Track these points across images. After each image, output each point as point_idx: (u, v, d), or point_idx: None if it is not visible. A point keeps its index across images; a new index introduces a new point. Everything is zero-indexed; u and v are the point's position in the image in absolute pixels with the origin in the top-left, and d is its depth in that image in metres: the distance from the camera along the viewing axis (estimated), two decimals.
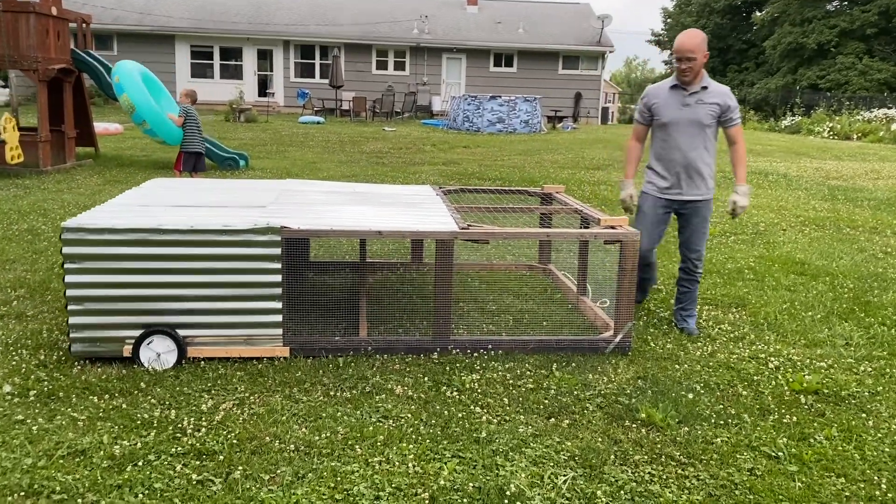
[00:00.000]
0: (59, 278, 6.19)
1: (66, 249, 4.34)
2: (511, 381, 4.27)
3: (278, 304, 4.53)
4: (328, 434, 3.61)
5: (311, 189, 6.01)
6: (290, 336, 4.63)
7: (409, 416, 3.82)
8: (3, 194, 9.95)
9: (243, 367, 4.44)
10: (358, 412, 3.86)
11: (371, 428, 3.67)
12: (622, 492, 3.15)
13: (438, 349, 4.66)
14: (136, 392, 4.06)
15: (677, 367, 4.47)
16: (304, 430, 3.66)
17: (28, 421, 3.69)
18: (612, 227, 4.73)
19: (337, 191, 6.01)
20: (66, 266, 4.36)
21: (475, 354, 4.65)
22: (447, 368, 4.44)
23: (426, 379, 4.29)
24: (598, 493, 3.13)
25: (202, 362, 4.46)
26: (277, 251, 4.48)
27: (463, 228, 4.62)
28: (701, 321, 5.35)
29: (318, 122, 24.61)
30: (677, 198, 4.94)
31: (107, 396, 3.99)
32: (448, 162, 15.30)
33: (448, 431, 3.65)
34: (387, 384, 4.21)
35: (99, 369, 4.35)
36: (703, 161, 4.82)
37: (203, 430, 3.65)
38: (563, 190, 6.37)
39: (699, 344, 4.90)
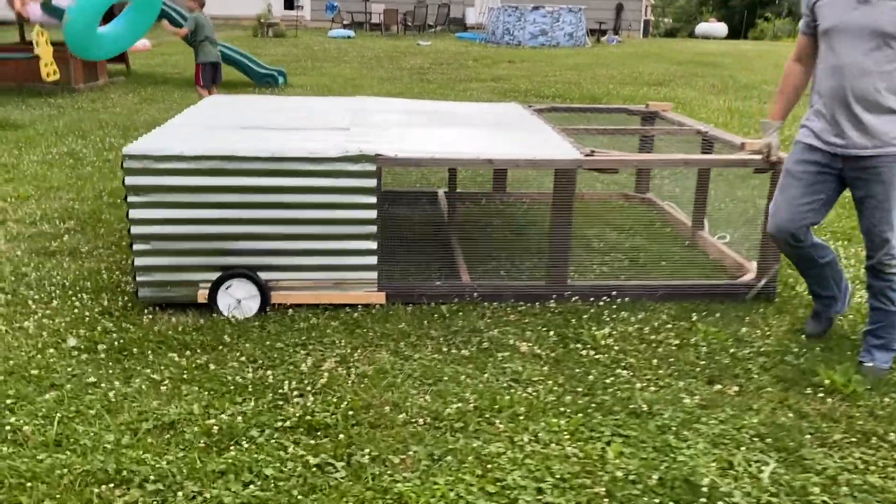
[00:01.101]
0: (109, 208, 5.61)
1: (129, 180, 3.73)
2: (650, 336, 3.66)
3: (373, 244, 3.91)
4: (456, 402, 3.05)
5: (385, 108, 5.31)
6: (385, 280, 4.03)
7: (544, 379, 3.24)
8: (36, 114, 9.32)
9: (335, 315, 3.87)
10: (484, 375, 3.29)
11: (506, 396, 3.10)
12: (837, 485, 2.56)
13: (555, 296, 4.05)
14: (220, 347, 3.51)
15: (840, 317, 3.83)
16: (426, 397, 3.09)
17: (102, 384, 3.16)
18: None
19: (414, 110, 5.31)
20: (129, 199, 3.76)
21: (599, 303, 4.04)
22: (570, 320, 3.84)
23: (550, 333, 3.69)
24: (809, 486, 2.55)
25: (289, 310, 3.89)
26: (372, 183, 3.84)
27: (587, 155, 3.93)
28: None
29: (349, 37, 23.49)
30: (839, 150, 3.15)
31: (188, 353, 3.45)
32: (496, 78, 14.38)
33: (597, 401, 3.07)
34: (506, 339, 3.62)
35: (173, 319, 3.80)
36: (881, 92, 3.01)
37: (308, 396, 3.10)
38: (669, 108, 5.62)
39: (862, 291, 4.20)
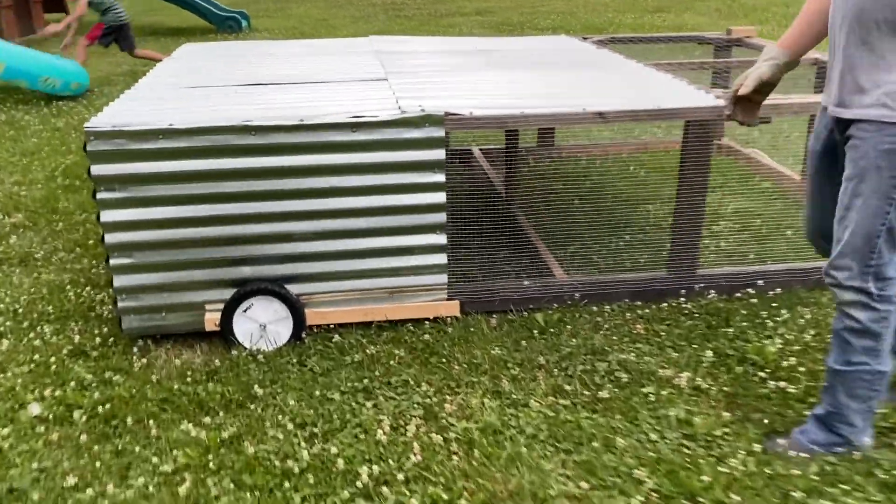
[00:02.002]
0: (66, 193, 4.44)
1: (97, 169, 2.61)
2: None
3: (441, 238, 2.86)
4: (625, 485, 2.06)
5: (414, 48, 4.17)
6: (457, 283, 2.99)
7: (729, 432, 2.27)
8: None
9: (397, 337, 2.84)
10: (640, 431, 2.30)
11: (692, 470, 2.12)
12: None
13: (683, 291, 3.05)
14: (251, 405, 2.47)
15: None
16: (579, 483, 2.09)
17: (88, 489, 2.11)
18: None
19: (452, 49, 4.18)
20: (98, 196, 2.64)
21: (739, 296, 3.06)
22: (717, 326, 2.86)
23: (701, 350, 2.70)
24: None
25: (333, 334, 2.85)
26: (440, 154, 2.76)
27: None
28: None
29: None
30: (835, 113, 2.05)
31: (206, 419, 2.40)
32: (482, 11, 13.11)
33: (828, 466, 2.10)
34: (644, 364, 2.63)
35: (175, 360, 2.74)
36: (880, 27, 1.90)
37: (399, 485, 2.09)
38: (754, 34, 4.57)
39: None
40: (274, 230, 2.76)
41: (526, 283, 3.03)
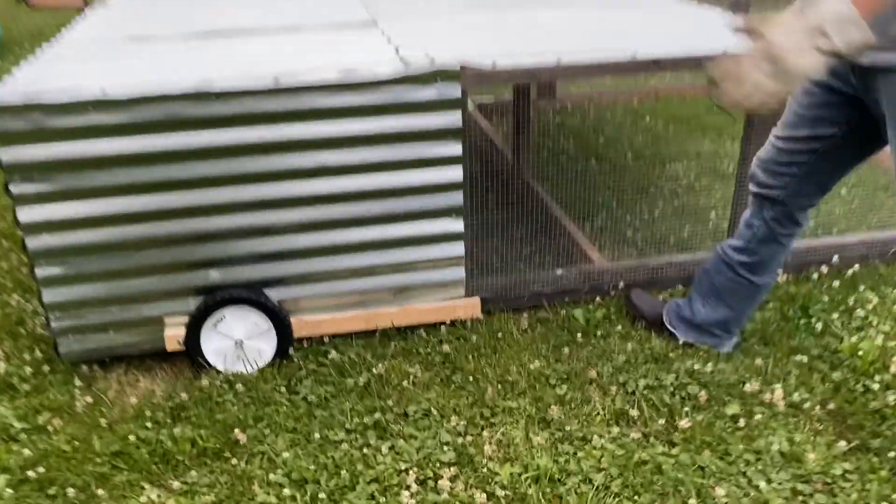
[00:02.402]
0: None
1: (5, 154, 1.97)
2: None
3: (457, 224, 2.30)
4: None
5: None
6: (476, 276, 2.44)
7: (870, 490, 1.77)
8: None
9: (408, 348, 2.30)
10: (733, 474, 1.80)
11: None
12: None
13: None
14: (230, 457, 1.91)
15: None
16: None
17: None
18: None
19: None
20: (12, 189, 2.01)
21: (813, 276, 2.56)
22: (793, 318, 2.36)
23: (785, 351, 2.21)
24: None
25: (328, 349, 2.29)
26: (455, 119, 2.18)
27: None
28: None
29: None
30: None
31: (175, 483, 1.83)
32: None
33: None
34: (719, 373, 2.12)
35: (129, 394, 2.15)
36: None
37: None
38: None
39: None
40: (248, 223, 2.16)
41: (559, 271, 2.49)
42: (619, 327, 2.34)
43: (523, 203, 2.81)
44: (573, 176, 3.30)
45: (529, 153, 3.32)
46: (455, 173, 2.23)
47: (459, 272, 2.36)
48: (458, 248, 2.33)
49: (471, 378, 2.16)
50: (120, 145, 2.00)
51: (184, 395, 2.11)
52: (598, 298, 2.48)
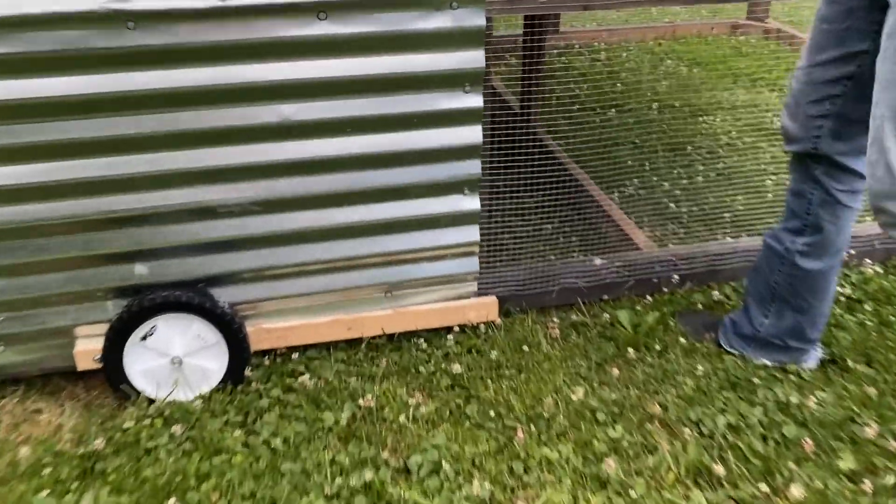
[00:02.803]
0: None
1: None
2: None
3: (472, 201, 1.72)
4: None
5: None
6: (490, 270, 1.88)
7: None
8: None
9: (403, 366, 1.74)
10: None
11: None
12: None
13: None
14: None
15: None
16: None
17: None
18: None
19: None
20: None
21: None
22: None
23: None
24: None
25: (300, 367, 1.72)
26: (476, 59, 1.57)
27: None
28: None
29: None
30: None
31: None
32: None
33: None
34: (825, 405, 1.61)
35: (28, 429, 1.56)
36: None
37: None
38: None
39: None
40: (186, 199, 1.56)
41: (597, 261, 1.93)
42: (683, 339, 1.80)
43: (537, 166, 2.23)
44: (592, 131, 2.72)
45: (541, 104, 2.72)
46: (472, 133, 1.64)
47: (471, 263, 1.79)
48: (470, 233, 1.75)
49: (492, 412, 1.61)
50: (7, 89, 1.37)
51: (98, 441, 1.52)
52: (646, 297, 1.94)
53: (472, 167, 1.67)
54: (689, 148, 2.70)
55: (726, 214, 2.27)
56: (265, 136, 1.53)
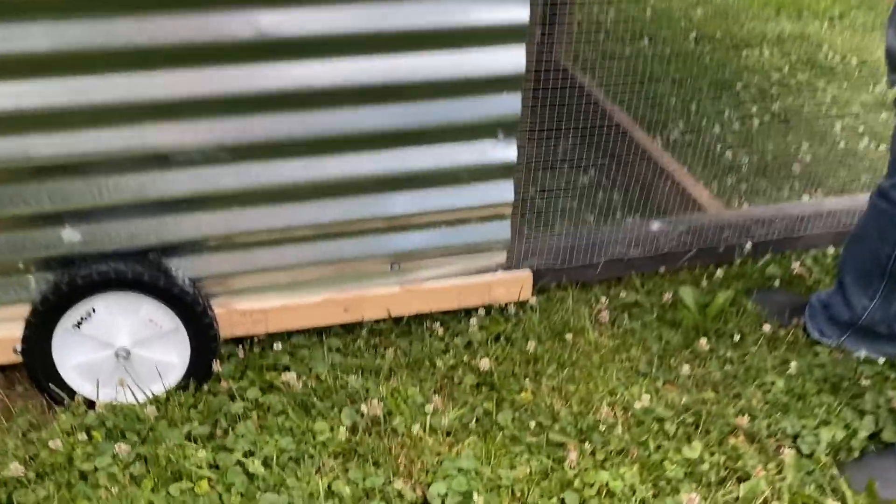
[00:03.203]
0: None
1: None
2: None
3: (507, 149, 1.32)
4: None
5: None
6: (522, 238, 1.49)
7: None
8: None
9: (411, 349, 1.36)
10: None
11: None
12: None
13: None
14: None
15: None
16: None
17: None
18: None
19: None
20: None
21: None
22: None
23: None
24: None
25: (283, 360, 1.34)
26: None
27: None
28: None
29: None
30: None
31: None
32: None
33: None
34: None
35: None
36: None
37: None
38: None
39: None
40: (128, 144, 1.15)
41: (655, 225, 1.55)
42: (763, 325, 1.45)
43: (569, 104, 1.82)
44: (624, 63, 2.31)
45: (565, 29, 2.30)
46: (513, 58, 1.24)
47: (502, 229, 1.41)
48: (502, 190, 1.37)
49: (531, 422, 1.25)
50: None
51: (14, 464, 1.15)
52: (715, 270, 1.57)
53: (510, 103, 1.28)
54: (739, 85, 2.30)
55: (795, 165, 1.89)
56: (235, 56, 1.12)
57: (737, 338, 1.41)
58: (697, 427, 1.26)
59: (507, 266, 1.46)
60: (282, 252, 1.33)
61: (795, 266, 1.59)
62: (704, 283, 1.54)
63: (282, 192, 1.26)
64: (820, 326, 1.42)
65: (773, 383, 1.32)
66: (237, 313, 1.34)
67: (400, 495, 1.13)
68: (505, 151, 1.32)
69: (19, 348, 1.26)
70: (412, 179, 1.32)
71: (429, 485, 1.15)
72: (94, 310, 1.24)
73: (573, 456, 1.19)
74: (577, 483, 1.15)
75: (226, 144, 1.19)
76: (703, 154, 1.95)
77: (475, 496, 1.12)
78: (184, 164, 1.20)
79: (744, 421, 1.25)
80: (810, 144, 2.02)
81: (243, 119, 1.18)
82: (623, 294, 1.52)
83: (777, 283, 1.56)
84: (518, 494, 1.15)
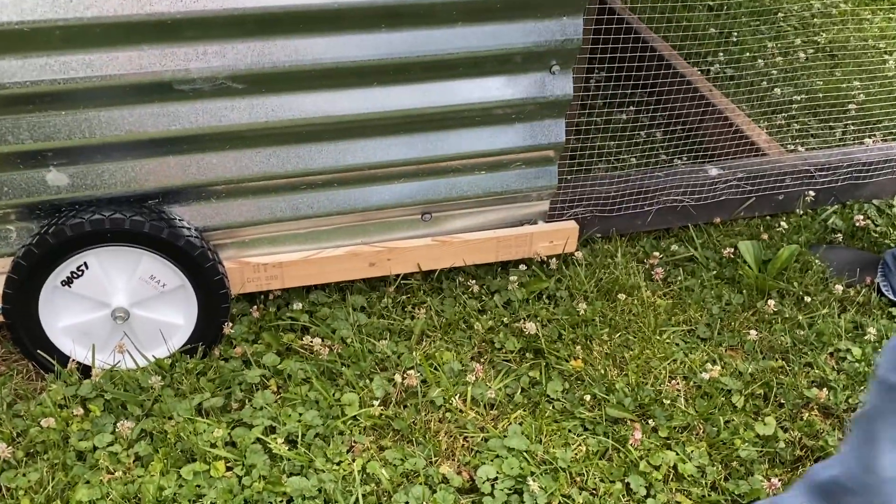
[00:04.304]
0: None
1: None
2: None
3: (565, 83, 1.15)
4: None
5: None
6: (567, 185, 1.33)
7: None
8: None
9: (443, 309, 1.21)
10: None
11: None
12: None
13: None
14: None
15: None
16: None
17: None
18: None
19: None
20: None
21: None
22: None
23: None
24: None
25: (300, 319, 1.19)
26: None
27: None
28: None
29: None
30: None
31: None
32: None
33: None
34: None
35: None
36: None
37: None
38: None
39: None
40: (122, 70, 0.96)
41: (713, 171, 1.40)
42: (834, 284, 1.31)
43: (601, 28, 1.62)
44: None
45: None
46: None
47: (547, 175, 1.24)
48: (553, 130, 1.20)
49: (585, 395, 1.12)
50: None
51: (2, 448, 0.99)
52: (777, 221, 1.43)
53: (570, 28, 1.10)
54: (781, 14, 2.12)
55: (851, 105, 1.73)
56: None
57: (804, 298, 1.28)
58: (768, 399, 1.13)
59: (552, 215, 1.30)
60: (300, 199, 1.16)
61: (859, 218, 1.45)
62: (764, 236, 1.39)
63: (302, 129, 1.09)
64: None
65: (847, 350, 1.20)
66: (250, 268, 1.18)
67: (445, 480, 1.00)
68: (560, 84, 1.15)
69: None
70: (452, 116, 1.14)
71: (476, 467, 1.02)
72: (86, 265, 1.07)
73: (637, 436, 1.06)
74: (643, 465, 1.03)
75: (239, 72, 1.01)
76: (748, 90, 1.78)
77: (529, 481, 1.00)
78: (189, 95, 1.01)
79: (820, 393, 1.13)
80: (861, 81, 1.85)
81: (261, 41, 1.00)
82: (674, 247, 1.38)
83: (840, 237, 1.42)
84: (576, 477, 1.02)
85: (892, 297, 1.29)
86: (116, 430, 1.03)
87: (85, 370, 1.12)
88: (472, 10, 1.05)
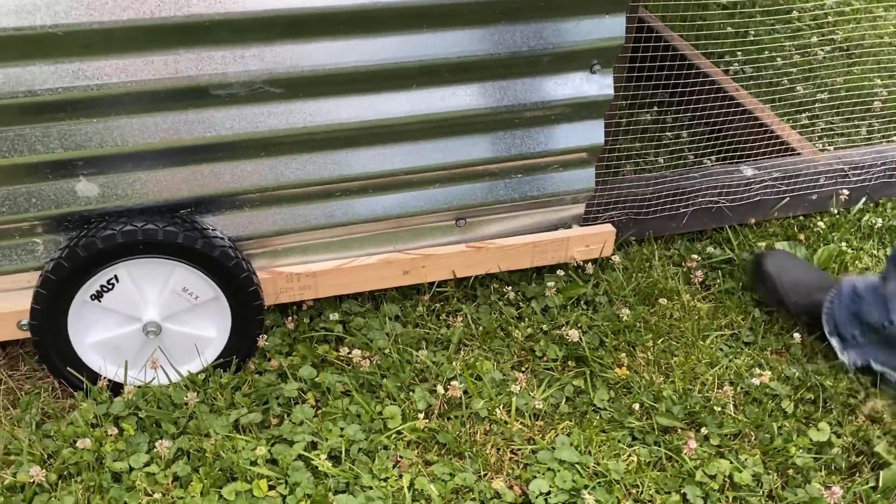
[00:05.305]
0: None
1: None
2: None
3: (605, 83, 1.12)
4: None
5: None
6: (604, 181, 1.30)
7: None
8: None
9: (479, 317, 1.18)
10: None
11: None
12: None
13: None
14: None
15: None
16: None
17: None
18: None
19: None
20: None
21: None
22: None
23: None
24: None
25: (334, 329, 1.15)
26: None
27: None
28: None
29: None
30: None
31: None
32: None
33: None
34: None
35: None
36: None
37: None
38: None
39: None
40: (156, 75, 0.93)
41: (749, 171, 1.37)
42: None
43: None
44: None
45: None
46: None
47: (585, 177, 1.22)
48: (592, 131, 1.17)
49: (634, 403, 1.09)
50: None
51: (35, 471, 0.95)
52: (811, 220, 1.41)
53: (613, 27, 1.07)
54: (794, 14, 2.10)
55: (876, 103, 1.72)
56: None
57: None
58: (818, 405, 1.11)
59: (586, 219, 1.27)
60: (335, 206, 1.12)
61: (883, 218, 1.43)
62: (804, 236, 1.37)
63: (339, 135, 1.05)
64: (841, 329, 1.24)
65: None
66: (283, 278, 1.14)
67: (497, 495, 0.97)
68: (601, 85, 1.12)
69: (26, 324, 1.05)
70: (490, 120, 1.11)
71: (527, 481, 0.99)
72: (116, 278, 1.03)
73: (692, 444, 1.03)
74: (699, 476, 1.00)
75: (277, 76, 0.97)
76: (769, 89, 1.76)
77: (584, 494, 0.96)
78: (225, 100, 0.98)
79: (869, 399, 1.10)
80: (881, 79, 1.84)
81: (300, 44, 0.96)
82: (710, 249, 1.35)
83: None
84: (631, 489, 0.99)
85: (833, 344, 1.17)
86: (153, 449, 0.99)
87: (115, 387, 1.08)
88: (515, 10, 1.02)
